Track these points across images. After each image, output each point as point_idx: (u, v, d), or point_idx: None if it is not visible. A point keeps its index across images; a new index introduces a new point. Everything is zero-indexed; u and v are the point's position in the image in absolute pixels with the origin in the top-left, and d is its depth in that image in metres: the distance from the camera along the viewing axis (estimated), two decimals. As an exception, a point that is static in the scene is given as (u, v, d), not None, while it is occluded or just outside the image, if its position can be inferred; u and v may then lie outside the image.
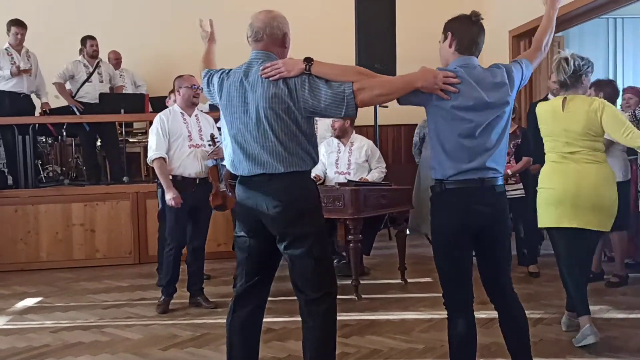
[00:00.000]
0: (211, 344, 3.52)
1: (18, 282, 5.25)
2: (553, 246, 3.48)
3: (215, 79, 2.56)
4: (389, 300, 4.32)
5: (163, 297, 4.22)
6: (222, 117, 2.54)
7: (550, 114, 3.35)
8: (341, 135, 5.11)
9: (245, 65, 2.47)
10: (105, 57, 7.02)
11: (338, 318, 2.51)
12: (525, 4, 5.92)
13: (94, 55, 6.67)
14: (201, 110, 4.57)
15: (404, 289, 4.62)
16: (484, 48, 2.49)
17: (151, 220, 5.67)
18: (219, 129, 4.63)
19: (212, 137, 4.22)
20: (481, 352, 2.60)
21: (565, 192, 3.26)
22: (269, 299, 2.64)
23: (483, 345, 2.62)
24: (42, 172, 6.55)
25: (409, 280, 4.76)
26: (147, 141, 6.69)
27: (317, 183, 4.68)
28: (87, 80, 6.61)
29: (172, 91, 4.91)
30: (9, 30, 6.15)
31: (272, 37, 2.45)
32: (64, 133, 6.68)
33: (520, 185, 4.88)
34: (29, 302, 4.61)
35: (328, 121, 5.17)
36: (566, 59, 3.26)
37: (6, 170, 6.29)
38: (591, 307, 3.36)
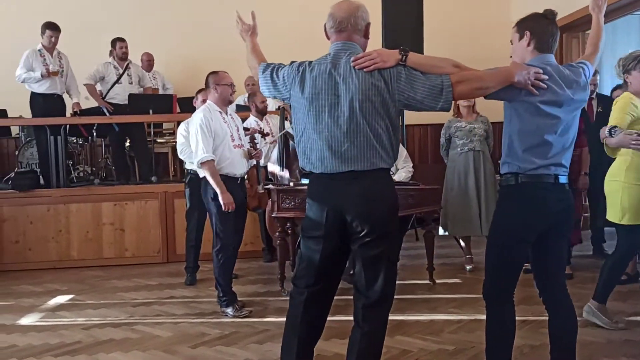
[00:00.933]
0: (239, 342, 3.54)
1: (50, 279, 5.34)
2: (623, 242, 3.49)
3: (286, 72, 2.43)
4: (417, 300, 4.28)
5: (234, 305, 4.06)
6: (299, 112, 2.41)
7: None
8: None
9: (331, 57, 2.37)
10: (136, 58, 7.10)
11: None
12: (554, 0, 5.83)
13: (123, 57, 6.76)
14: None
15: (432, 290, 4.58)
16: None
17: (179, 220, 5.72)
18: (245, 129, 4.68)
19: (253, 138, 4.19)
20: (513, 354, 2.56)
21: None
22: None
23: (515, 346, 2.58)
24: (73, 172, 6.66)
25: (437, 281, 4.72)
26: (175, 141, 6.79)
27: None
28: (117, 81, 6.70)
29: (200, 91, 4.93)
30: (43, 32, 6.25)
31: (355, 27, 2.39)
32: (94, 134, 6.79)
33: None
34: (61, 299, 4.69)
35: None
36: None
37: (38, 170, 6.41)
38: (628, 309, 3.33)
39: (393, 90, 2.28)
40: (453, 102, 2.35)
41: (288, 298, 2.57)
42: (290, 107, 2.59)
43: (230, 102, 4.22)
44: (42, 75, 6.16)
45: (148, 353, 3.43)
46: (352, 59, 2.31)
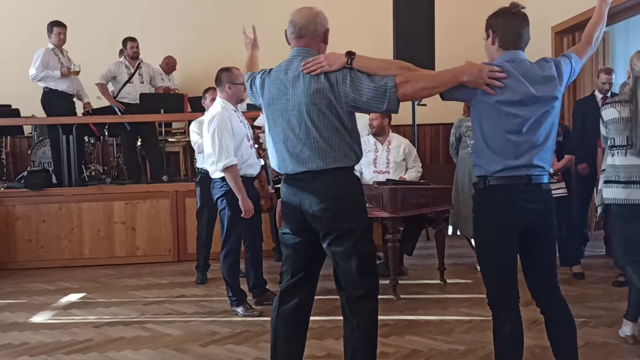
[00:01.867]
0: (250, 341, 3.54)
1: (62, 278, 5.38)
2: None
3: (258, 80, 2.57)
4: (428, 300, 4.26)
5: (245, 305, 4.05)
6: (264, 116, 2.55)
7: None
8: (379, 133, 5.07)
9: (286, 63, 2.47)
10: (149, 58, 7.09)
11: (375, 317, 2.48)
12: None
13: (134, 57, 6.79)
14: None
15: (443, 290, 4.56)
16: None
17: (190, 219, 5.74)
18: (257, 127, 4.67)
19: (258, 137, 4.18)
20: (524, 354, 2.53)
21: None
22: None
23: (526, 347, 2.55)
24: (85, 171, 6.71)
25: (448, 281, 4.70)
26: (187, 140, 6.79)
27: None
28: (128, 81, 6.74)
29: (208, 90, 4.81)
30: (50, 31, 6.26)
31: (314, 34, 2.45)
32: (106, 133, 6.82)
33: (563, 184, 4.74)
34: (73, 297, 4.72)
35: (364, 120, 5.13)
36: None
37: (51, 169, 6.46)
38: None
39: (339, 93, 2.33)
40: (400, 103, 2.30)
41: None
42: None
43: (242, 101, 4.18)
44: (62, 74, 6.18)
45: (159, 351, 3.44)
46: (302, 63, 2.37)
